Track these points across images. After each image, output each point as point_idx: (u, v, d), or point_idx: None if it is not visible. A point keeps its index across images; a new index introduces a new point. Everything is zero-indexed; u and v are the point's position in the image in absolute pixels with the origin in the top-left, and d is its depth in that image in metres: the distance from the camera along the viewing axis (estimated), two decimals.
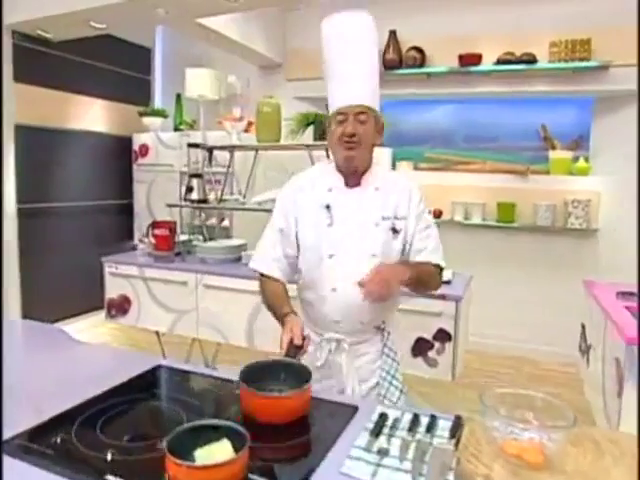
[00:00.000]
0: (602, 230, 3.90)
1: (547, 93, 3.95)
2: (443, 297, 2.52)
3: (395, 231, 1.50)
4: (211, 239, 3.46)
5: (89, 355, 1.62)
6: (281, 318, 1.43)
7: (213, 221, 4.24)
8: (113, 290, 3.22)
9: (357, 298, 1.43)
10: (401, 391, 1.57)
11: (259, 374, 1.22)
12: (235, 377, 1.27)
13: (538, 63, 3.76)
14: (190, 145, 3.21)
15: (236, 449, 0.90)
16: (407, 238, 1.52)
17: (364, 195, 1.51)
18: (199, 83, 4.36)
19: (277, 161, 3.85)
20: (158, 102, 5.04)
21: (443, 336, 2.54)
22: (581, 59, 3.62)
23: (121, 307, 3.19)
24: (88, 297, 4.31)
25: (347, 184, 1.52)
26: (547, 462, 0.94)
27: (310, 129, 2.91)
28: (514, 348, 4.11)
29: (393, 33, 4.11)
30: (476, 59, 3.91)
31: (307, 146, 2.85)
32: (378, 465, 0.99)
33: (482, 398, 1.03)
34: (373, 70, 1.50)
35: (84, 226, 4.40)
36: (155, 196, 4.62)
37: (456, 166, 4.47)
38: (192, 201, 3.21)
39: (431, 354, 2.58)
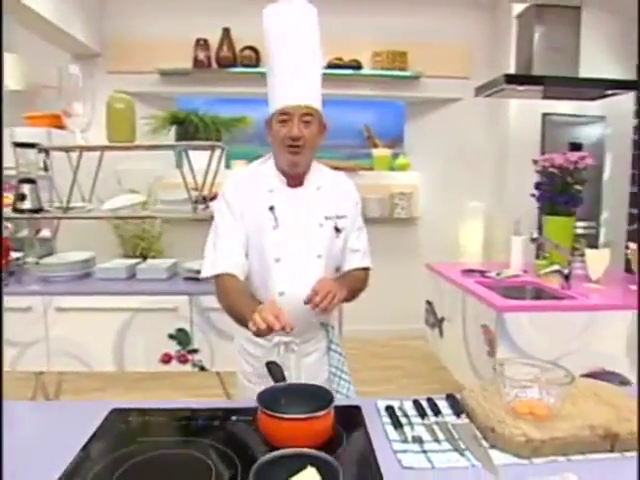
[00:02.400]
0: (421, 218, 4.51)
1: (370, 97, 4.38)
2: None
3: (337, 230, 1.50)
4: (46, 255, 2.96)
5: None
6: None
7: (25, 233, 3.61)
8: None
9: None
10: (349, 382, 1.59)
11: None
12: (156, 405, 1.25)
13: (363, 69, 4.15)
14: (18, 145, 2.68)
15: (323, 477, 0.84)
16: (346, 236, 1.54)
17: (306, 195, 1.48)
18: None
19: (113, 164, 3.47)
20: None
21: None
22: (399, 69, 4.11)
23: None
24: None
25: (289, 184, 1.48)
26: (551, 412, 1.11)
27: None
28: (356, 331, 4.46)
29: (226, 31, 4.05)
30: None
31: (172, 146, 2.65)
32: (425, 452, 1.03)
33: (495, 368, 1.16)
34: (318, 68, 1.46)
35: None
36: None
37: None
38: (23, 211, 2.70)
39: None
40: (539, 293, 2.67)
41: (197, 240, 4.11)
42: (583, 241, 2.69)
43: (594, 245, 2.92)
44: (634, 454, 1.03)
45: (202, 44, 4.03)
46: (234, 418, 1.18)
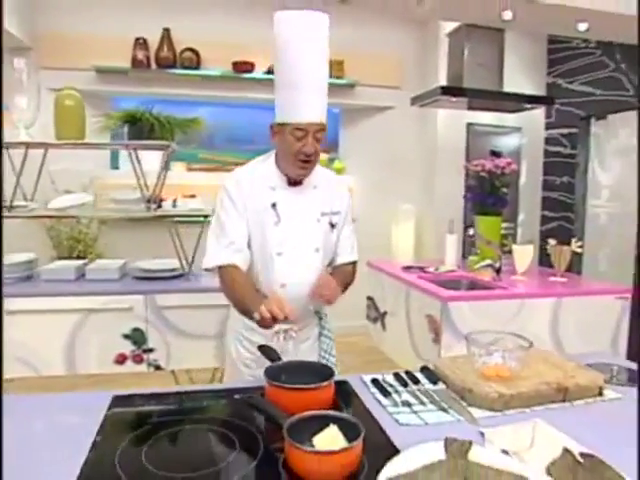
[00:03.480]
0: (356, 220, 4.70)
1: None
2: None
3: (332, 226, 1.61)
4: None
5: None
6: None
7: None
8: None
9: (305, 291, 1.55)
10: (335, 365, 1.73)
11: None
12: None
13: None
14: None
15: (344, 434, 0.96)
16: (339, 232, 1.66)
17: (305, 193, 1.58)
18: None
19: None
20: None
21: None
22: (336, 77, 4.31)
23: None
24: None
25: (289, 183, 1.57)
26: (513, 374, 1.31)
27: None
28: None
29: (167, 31, 4.03)
30: (249, 67, 4.20)
31: (126, 145, 2.64)
32: (415, 412, 1.19)
33: (468, 337, 1.34)
34: (327, 81, 1.52)
35: None
36: None
37: (229, 167, 4.69)
38: None
39: None
40: (474, 285, 2.95)
41: (138, 241, 4.05)
42: (510, 238, 3.02)
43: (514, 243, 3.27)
44: (580, 402, 1.26)
45: (141, 43, 3.99)
46: (237, 397, 1.27)
